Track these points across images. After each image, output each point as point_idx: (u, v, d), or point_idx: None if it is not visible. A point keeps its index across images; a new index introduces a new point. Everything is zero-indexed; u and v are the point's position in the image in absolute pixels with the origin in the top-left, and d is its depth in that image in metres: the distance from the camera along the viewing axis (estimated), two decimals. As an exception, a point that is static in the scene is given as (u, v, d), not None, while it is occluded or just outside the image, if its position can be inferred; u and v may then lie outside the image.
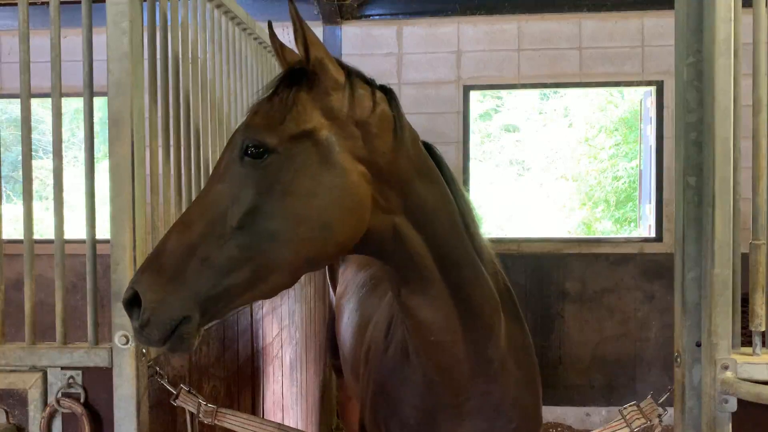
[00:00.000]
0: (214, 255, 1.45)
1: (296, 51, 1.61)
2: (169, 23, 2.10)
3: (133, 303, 1.44)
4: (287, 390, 3.52)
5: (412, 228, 1.66)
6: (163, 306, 1.41)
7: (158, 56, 2.04)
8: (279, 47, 1.70)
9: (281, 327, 3.39)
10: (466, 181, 5.67)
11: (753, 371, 1.58)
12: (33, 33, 1.96)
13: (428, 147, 1.81)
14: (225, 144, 1.71)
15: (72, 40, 2.66)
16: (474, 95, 5.99)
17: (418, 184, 1.67)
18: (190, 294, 1.43)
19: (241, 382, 2.66)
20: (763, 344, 1.66)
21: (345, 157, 1.55)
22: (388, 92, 1.67)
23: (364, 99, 1.60)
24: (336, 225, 1.53)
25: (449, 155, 5.58)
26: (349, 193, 1.54)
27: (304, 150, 1.52)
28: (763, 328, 1.62)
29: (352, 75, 1.61)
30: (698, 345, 1.63)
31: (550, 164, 14.91)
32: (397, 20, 5.76)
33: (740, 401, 1.53)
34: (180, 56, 2.17)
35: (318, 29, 5.66)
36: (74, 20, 1.92)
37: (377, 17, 5.79)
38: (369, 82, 1.66)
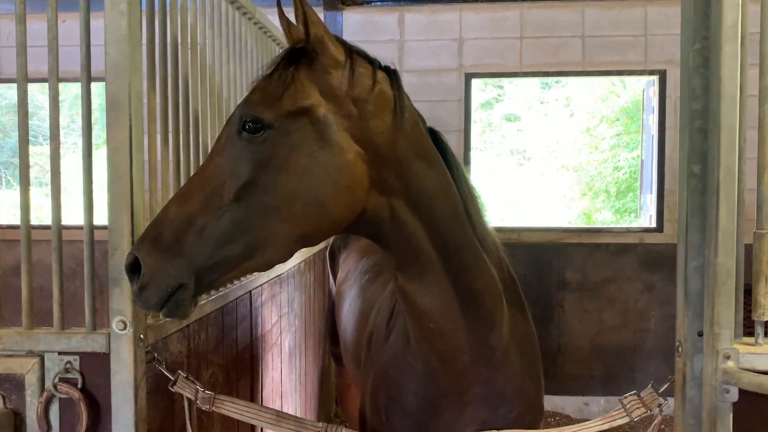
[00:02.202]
0: (210, 226, 1.50)
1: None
2: (168, 7, 2.07)
3: (134, 268, 1.51)
4: (286, 377, 3.51)
5: (410, 212, 1.66)
6: (160, 272, 1.47)
7: (157, 40, 2.01)
8: (286, 25, 1.70)
9: (280, 314, 3.38)
10: (468, 171, 5.63)
11: (755, 361, 1.56)
12: (32, 17, 1.93)
13: (434, 133, 1.81)
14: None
15: (70, 24, 2.63)
16: (475, 83, 5.96)
17: (418, 167, 1.66)
18: (187, 263, 1.49)
19: (239, 369, 2.65)
20: (766, 334, 1.65)
21: (342, 135, 1.55)
22: (391, 73, 1.67)
23: (363, 78, 1.60)
24: (330, 203, 1.54)
25: (450, 144, 5.53)
26: (345, 172, 1.55)
27: (300, 127, 1.54)
28: (766, 318, 1.61)
29: (353, 54, 1.61)
30: (700, 335, 1.62)
31: (551, 154, 14.88)
32: (399, 7, 5.71)
33: (742, 391, 1.52)
34: (179, 40, 2.15)
35: (319, 15, 5.62)
36: (73, 4, 1.89)
37: (379, 3, 5.75)
38: (371, 62, 1.65)
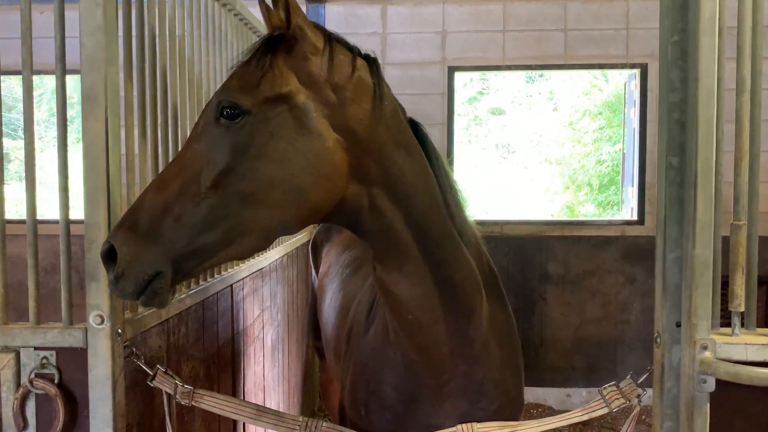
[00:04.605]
0: (187, 214, 1.48)
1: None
2: (145, -2, 2.04)
3: (110, 256, 1.48)
4: (268, 371, 3.50)
5: (389, 201, 1.66)
6: (137, 260, 1.46)
7: (134, 31, 1.98)
8: (266, 11, 1.68)
9: (262, 308, 3.36)
10: (450, 164, 5.64)
11: (731, 351, 1.58)
12: (8, 9, 1.90)
13: (414, 124, 1.80)
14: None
15: (49, 16, 2.59)
16: (459, 76, 5.95)
17: (397, 156, 1.66)
18: (164, 250, 1.47)
19: (221, 363, 2.64)
20: (742, 325, 1.66)
21: (321, 122, 1.55)
22: (370, 61, 1.67)
23: (342, 65, 1.59)
24: (309, 190, 1.54)
25: (434, 137, 5.52)
26: (324, 159, 1.54)
27: (279, 114, 1.53)
28: (742, 309, 1.62)
29: (332, 40, 1.61)
30: (678, 325, 1.63)
31: (535, 148, 14.94)
32: (382, -1, 5.69)
33: (718, 381, 1.54)
34: (157, 31, 2.12)
35: (301, 7, 5.57)
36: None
37: (361, -4, 5.71)
38: (350, 49, 1.65)
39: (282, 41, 1.56)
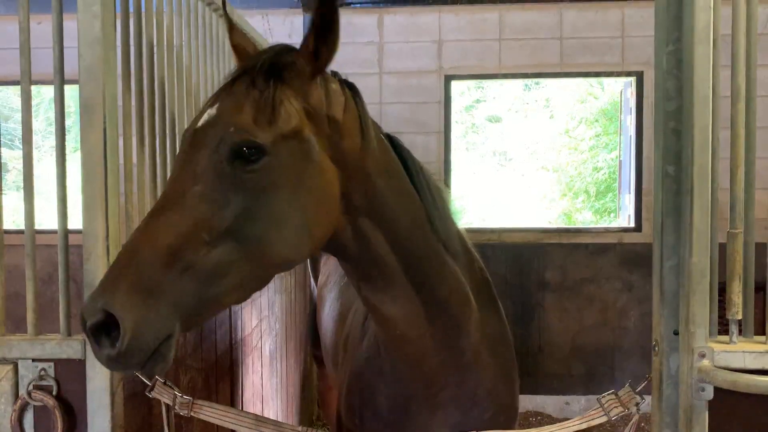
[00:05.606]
0: (197, 264, 1.32)
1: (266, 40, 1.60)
2: (143, 9, 2.05)
3: (101, 328, 1.24)
4: (267, 381, 3.49)
5: (374, 227, 1.63)
6: (146, 328, 1.24)
7: (132, 42, 1.99)
8: (229, 27, 1.65)
9: (260, 318, 3.36)
10: (447, 172, 5.66)
11: (729, 359, 1.58)
12: (8, 19, 1.90)
13: (391, 139, 1.78)
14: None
15: (47, 26, 2.59)
16: (456, 85, 5.97)
17: (380, 181, 1.63)
18: (172, 309, 1.28)
19: (219, 373, 2.63)
20: (740, 332, 1.67)
21: (323, 155, 1.50)
22: (350, 86, 1.64)
23: (336, 94, 1.56)
24: (313, 225, 1.49)
25: (430, 145, 5.56)
26: (327, 193, 1.51)
27: (290, 150, 1.44)
28: (739, 317, 1.63)
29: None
30: (676, 333, 1.64)
31: (532, 155, 14.97)
32: (378, 8, 5.70)
33: (717, 389, 1.54)
34: (155, 42, 2.13)
35: (298, 17, 5.59)
36: (49, 6, 1.86)
37: (358, 5, 5.74)
38: (334, 74, 1.62)
39: (280, 70, 1.48)
